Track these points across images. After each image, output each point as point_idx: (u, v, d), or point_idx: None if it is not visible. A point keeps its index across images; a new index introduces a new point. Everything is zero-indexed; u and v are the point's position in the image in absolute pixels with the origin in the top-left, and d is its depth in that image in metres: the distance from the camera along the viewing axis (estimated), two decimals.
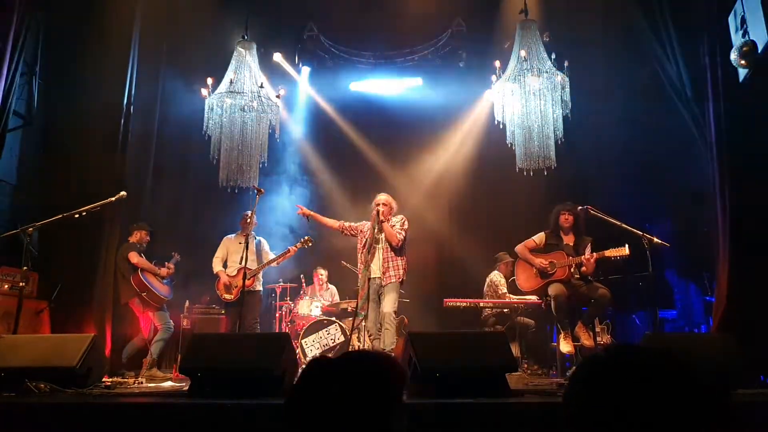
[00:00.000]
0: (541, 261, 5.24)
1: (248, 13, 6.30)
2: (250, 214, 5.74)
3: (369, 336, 5.28)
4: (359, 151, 8.46)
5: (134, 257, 5.99)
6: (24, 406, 3.03)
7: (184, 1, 7.26)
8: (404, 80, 8.65)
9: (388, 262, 5.19)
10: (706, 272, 6.11)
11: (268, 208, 7.42)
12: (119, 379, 5.04)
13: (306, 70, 8.57)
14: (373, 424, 1.19)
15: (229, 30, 6.75)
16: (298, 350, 6.30)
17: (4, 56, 5.36)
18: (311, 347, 6.53)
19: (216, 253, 6.37)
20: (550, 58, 5.49)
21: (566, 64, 5.53)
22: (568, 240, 5.32)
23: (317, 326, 6.63)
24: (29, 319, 5.64)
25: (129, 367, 5.83)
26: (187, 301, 6.93)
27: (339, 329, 6.58)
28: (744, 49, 4.73)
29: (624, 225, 4.91)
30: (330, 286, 7.61)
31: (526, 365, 6.12)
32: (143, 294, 5.92)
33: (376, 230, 5.22)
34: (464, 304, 6.23)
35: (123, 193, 5.33)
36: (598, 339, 5.69)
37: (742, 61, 4.76)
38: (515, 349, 5.89)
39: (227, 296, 6.17)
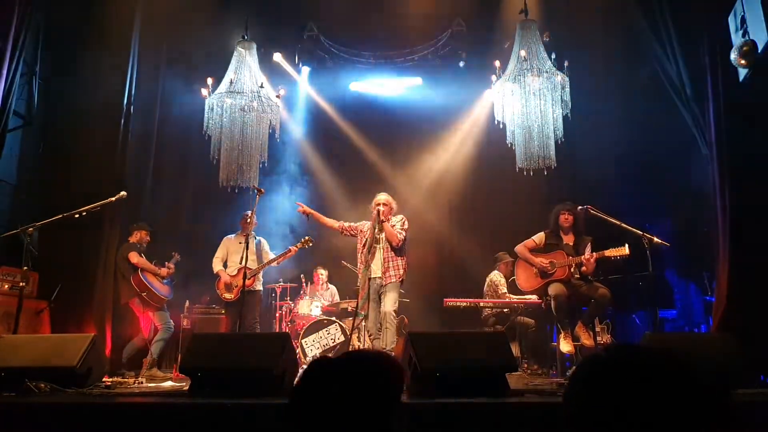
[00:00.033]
0: (541, 261, 5.24)
1: (248, 13, 6.30)
2: (250, 214, 5.74)
3: (369, 336, 5.28)
4: (359, 151, 8.46)
5: (134, 257, 6.00)
6: (24, 406, 3.03)
7: (184, 1, 7.25)
8: (404, 80, 8.64)
9: (388, 261, 5.19)
10: (706, 272, 6.11)
11: (268, 208, 7.43)
12: (119, 379, 5.04)
13: (306, 70, 8.57)
14: (373, 423, 1.20)
15: (229, 30, 6.75)
16: (298, 350, 6.29)
17: (4, 56, 5.36)
18: (311, 347, 6.53)
19: (216, 253, 6.37)
20: (550, 58, 5.49)
21: (566, 64, 5.52)
22: (568, 240, 5.32)
23: (317, 326, 6.63)
24: (29, 319, 5.64)
25: (129, 367, 5.83)
26: (187, 301, 6.93)
27: (339, 329, 6.58)
28: (744, 48, 4.73)
29: (624, 225, 4.91)
30: (330, 286, 7.61)
31: (526, 365, 6.12)
32: (143, 294, 5.92)
33: (376, 230, 5.22)
34: (464, 304, 6.24)
35: (123, 193, 5.33)
36: (598, 339, 5.69)
37: (742, 61, 4.76)
38: (515, 349, 5.89)
39: (227, 296, 6.17)
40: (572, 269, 5.19)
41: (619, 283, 6.11)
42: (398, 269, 5.20)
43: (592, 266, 5.08)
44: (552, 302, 5.04)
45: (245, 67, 5.81)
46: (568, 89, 5.49)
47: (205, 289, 6.96)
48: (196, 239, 7.24)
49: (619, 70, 7.12)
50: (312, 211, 5.55)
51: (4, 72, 5.35)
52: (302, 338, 6.52)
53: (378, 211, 5.21)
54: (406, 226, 5.35)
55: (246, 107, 5.83)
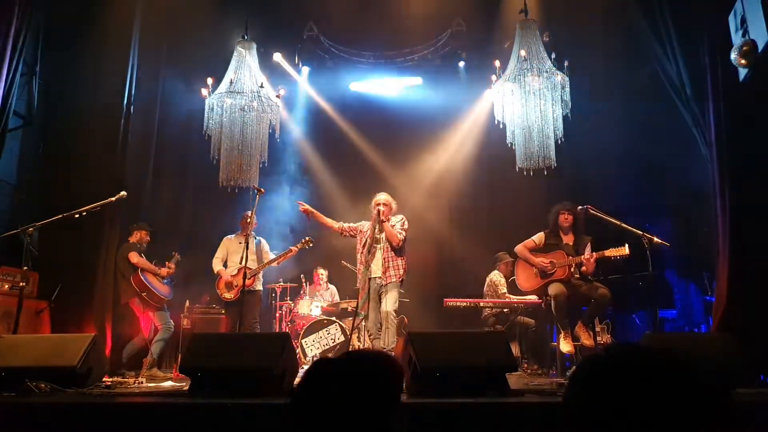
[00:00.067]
0: (541, 261, 5.24)
1: (248, 13, 6.30)
2: (250, 214, 5.74)
3: (369, 336, 5.28)
4: (359, 151, 8.46)
5: (134, 257, 6.00)
6: (24, 406, 3.03)
7: (184, 1, 7.25)
8: (404, 80, 8.65)
9: (388, 261, 5.19)
10: (706, 272, 6.11)
11: (268, 208, 7.43)
12: (119, 379, 5.04)
13: (306, 70, 8.57)
14: (373, 423, 1.20)
15: (229, 30, 6.75)
16: (298, 350, 6.30)
17: (4, 56, 5.35)
18: (311, 347, 6.53)
19: (216, 253, 6.37)
20: (550, 58, 5.49)
21: (566, 63, 5.52)
22: (568, 240, 5.32)
23: (317, 326, 6.63)
24: (29, 319, 5.64)
25: (129, 367, 5.84)
26: (187, 301, 6.93)
27: (339, 329, 6.59)
28: (744, 48, 4.73)
29: (624, 225, 4.91)
30: (330, 286, 7.61)
31: (526, 365, 6.12)
32: (143, 294, 5.92)
33: (376, 230, 5.22)
34: (464, 303, 6.23)
35: (123, 193, 5.33)
36: (598, 339, 5.69)
37: (742, 61, 4.75)
38: (515, 349, 5.89)
39: (227, 295, 6.18)
40: (572, 269, 5.19)
41: (619, 283, 6.11)
42: (398, 269, 5.20)
43: (592, 266, 5.08)
44: (552, 302, 5.04)
45: (245, 67, 5.81)
46: (568, 89, 5.49)
47: (205, 289, 6.96)
48: (196, 239, 7.24)
49: (619, 70, 7.12)
50: (313, 211, 5.55)
51: (4, 72, 5.34)
52: (302, 338, 6.52)
53: (378, 211, 5.21)
54: (406, 226, 5.35)
55: (246, 107, 5.82)
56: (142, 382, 4.93)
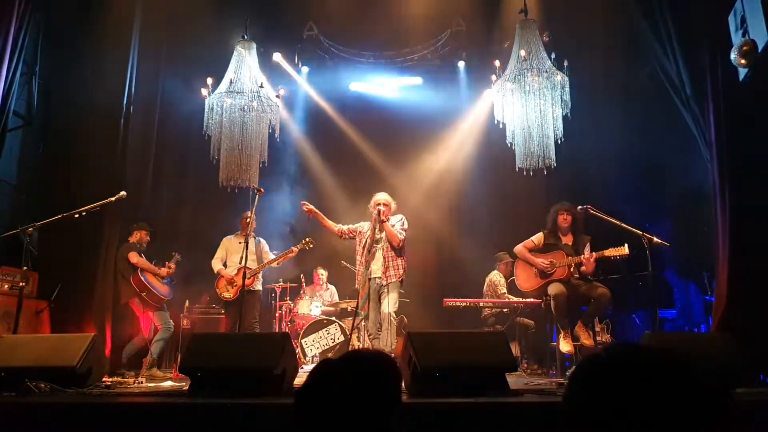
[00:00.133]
0: (541, 261, 5.24)
1: (248, 13, 6.30)
2: (249, 214, 5.73)
3: (369, 336, 5.28)
4: (359, 151, 8.46)
5: (134, 257, 6.00)
6: (24, 406, 3.03)
7: (184, 1, 7.26)
8: (404, 80, 8.65)
9: (388, 261, 5.19)
10: (706, 272, 6.11)
11: (268, 208, 7.42)
12: (119, 379, 5.04)
13: (306, 70, 8.57)
14: (373, 423, 1.20)
15: (229, 30, 6.74)
16: (298, 350, 6.30)
17: (4, 56, 5.35)
18: (311, 347, 6.53)
19: (216, 254, 6.38)
20: (550, 58, 5.49)
21: (566, 63, 5.52)
22: (567, 240, 5.33)
23: (317, 326, 6.63)
24: (29, 319, 5.64)
25: (129, 367, 5.84)
26: (187, 301, 6.94)
27: (339, 329, 6.59)
28: (744, 48, 4.72)
29: (624, 224, 4.91)
30: (330, 286, 7.61)
31: (526, 365, 6.12)
32: (143, 294, 5.92)
33: (376, 230, 5.22)
34: (464, 303, 6.23)
35: (123, 193, 5.33)
36: (598, 338, 5.69)
37: (742, 61, 4.75)
38: (515, 349, 5.89)
39: (226, 294, 6.18)
40: (572, 269, 5.19)
41: (619, 282, 6.11)
42: (398, 269, 5.20)
43: (591, 266, 5.08)
44: (552, 302, 5.04)
45: (245, 67, 5.81)
46: (568, 89, 5.48)
47: (204, 289, 6.97)
48: (196, 239, 7.24)
49: (619, 70, 7.12)
50: (317, 212, 5.54)
51: (4, 72, 5.34)
52: (302, 338, 6.53)
53: (379, 211, 5.21)
54: (405, 226, 5.35)
55: (246, 107, 5.82)
56: (141, 382, 4.93)
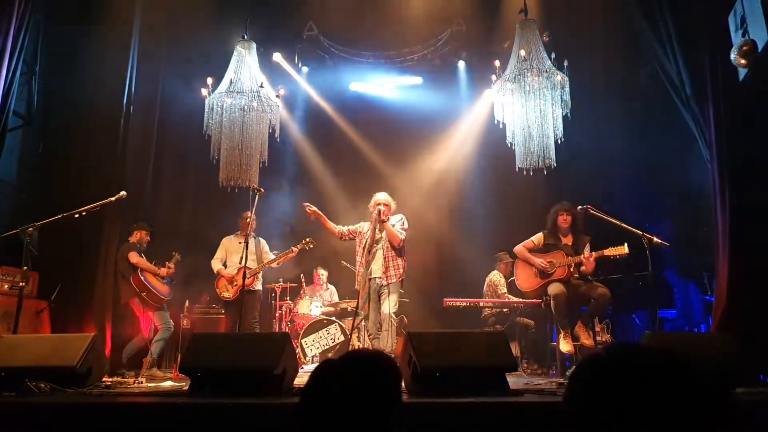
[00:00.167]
0: (540, 261, 5.25)
1: (248, 13, 6.30)
2: (249, 214, 5.73)
3: (369, 336, 5.28)
4: (359, 151, 8.46)
5: (134, 257, 6.00)
6: (24, 405, 3.03)
7: (184, 1, 7.25)
8: (404, 80, 8.65)
9: (388, 261, 5.19)
10: (706, 272, 6.11)
11: (268, 208, 7.42)
12: (119, 379, 5.04)
13: (306, 69, 8.57)
14: (373, 423, 1.20)
15: (229, 30, 6.74)
16: (298, 350, 6.30)
17: (4, 56, 5.35)
18: (311, 347, 6.53)
19: (215, 254, 6.37)
20: (550, 58, 5.49)
21: (566, 63, 5.52)
22: (567, 240, 5.33)
23: (317, 326, 6.64)
24: (29, 319, 5.64)
25: (129, 367, 5.84)
26: (187, 301, 6.93)
27: (339, 329, 6.59)
28: (744, 48, 4.72)
29: (624, 224, 4.92)
30: (330, 286, 7.61)
31: (526, 365, 6.12)
32: (143, 294, 5.92)
33: (377, 230, 5.22)
34: (464, 303, 6.23)
35: (123, 193, 5.33)
36: (598, 338, 5.69)
37: (742, 61, 4.75)
38: (515, 349, 5.89)
39: (226, 294, 6.18)
40: (572, 269, 5.19)
41: (619, 282, 6.12)
42: (398, 269, 5.20)
43: (591, 265, 5.08)
44: (552, 302, 5.04)
45: (245, 66, 5.80)
46: (567, 89, 5.48)
47: (204, 288, 6.97)
48: (196, 239, 7.24)
49: (619, 70, 7.12)
50: (320, 214, 5.54)
51: (4, 72, 5.34)
52: (302, 338, 6.53)
53: (379, 211, 5.21)
54: (405, 226, 5.36)
55: (246, 107, 5.82)
56: (142, 382, 4.93)
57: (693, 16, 5.35)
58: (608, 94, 7.14)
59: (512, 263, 6.08)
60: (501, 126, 5.71)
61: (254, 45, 6.04)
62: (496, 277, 6.77)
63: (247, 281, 5.61)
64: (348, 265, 6.94)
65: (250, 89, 5.75)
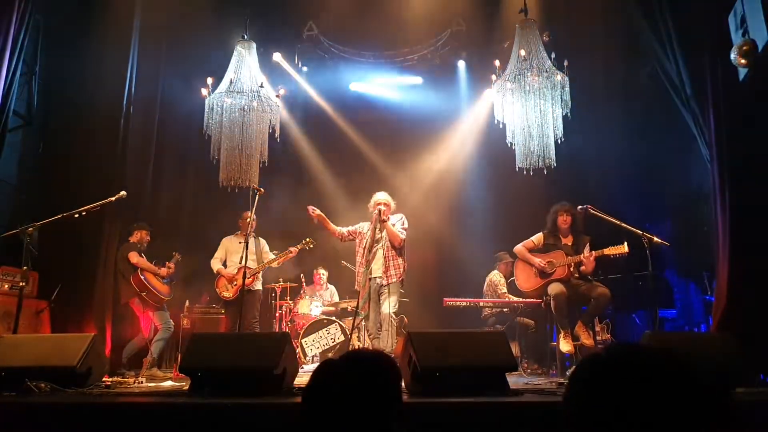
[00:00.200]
0: (540, 261, 5.25)
1: (248, 13, 6.29)
2: (249, 214, 5.73)
3: (369, 336, 5.29)
4: (359, 151, 8.47)
5: (134, 257, 6.00)
6: (24, 405, 3.03)
7: (184, 1, 7.26)
8: (404, 80, 8.65)
9: (389, 261, 5.20)
10: (706, 272, 6.11)
11: (267, 208, 7.41)
12: (119, 379, 5.04)
13: (306, 69, 8.57)
14: (373, 423, 1.20)
15: (229, 30, 6.74)
16: (298, 350, 6.30)
17: (4, 56, 5.35)
18: (311, 347, 6.53)
19: (215, 254, 6.37)
20: (550, 58, 5.49)
21: (566, 63, 5.52)
22: (567, 240, 5.33)
23: (317, 326, 6.64)
24: (29, 319, 5.64)
25: (129, 367, 5.84)
26: (187, 301, 6.93)
27: (339, 329, 6.59)
28: (744, 48, 4.72)
29: (624, 224, 4.92)
30: (330, 285, 7.61)
31: (526, 365, 6.12)
32: (143, 294, 5.93)
33: (377, 230, 5.22)
34: (464, 303, 6.23)
35: (123, 192, 5.33)
36: (598, 338, 5.69)
37: (742, 61, 4.74)
38: (515, 349, 5.88)
39: (226, 294, 6.18)
40: (572, 268, 5.19)
41: (619, 282, 6.12)
42: (398, 269, 5.20)
43: (591, 265, 5.08)
44: (552, 302, 5.04)
45: (245, 66, 5.80)
46: (568, 89, 5.48)
47: (204, 288, 6.97)
48: (196, 239, 7.24)
49: (619, 70, 7.12)
50: (324, 216, 5.53)
51: (4, 72, 5.33)
52: (302, 338, 6.53)
53: (379, 211, 5.21)
54: (405, 225, 5.36)
55: (246, 107, 5.81)
56: (142, 382, 4.93)
57: (693, 16, 5.35)
58: (608, 94, 7.14)
59: (512, 263, 6.08)
60: (501, 126, 5.71)
61: (254, 45, 6.03)
62: (496, 277, 6.77)
63: (247, 281, 5.61)
64: (348, 265, 6.94)
65: (250, 89, 5.75)
